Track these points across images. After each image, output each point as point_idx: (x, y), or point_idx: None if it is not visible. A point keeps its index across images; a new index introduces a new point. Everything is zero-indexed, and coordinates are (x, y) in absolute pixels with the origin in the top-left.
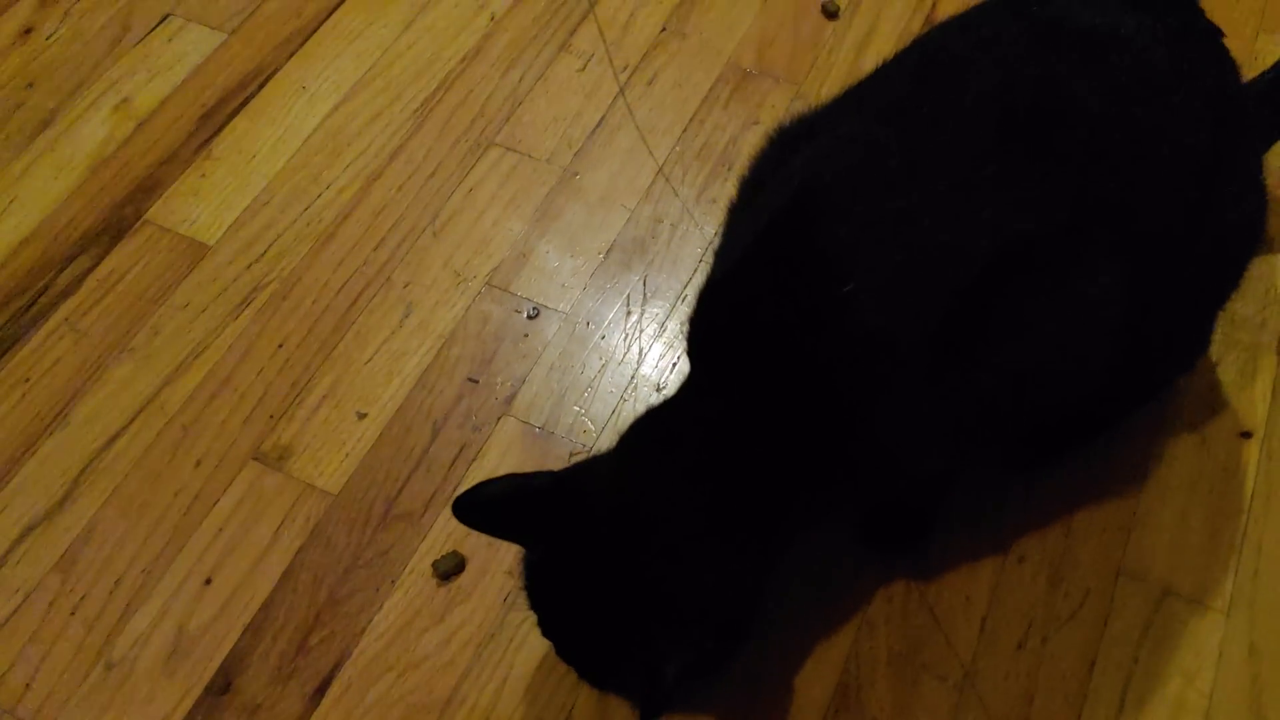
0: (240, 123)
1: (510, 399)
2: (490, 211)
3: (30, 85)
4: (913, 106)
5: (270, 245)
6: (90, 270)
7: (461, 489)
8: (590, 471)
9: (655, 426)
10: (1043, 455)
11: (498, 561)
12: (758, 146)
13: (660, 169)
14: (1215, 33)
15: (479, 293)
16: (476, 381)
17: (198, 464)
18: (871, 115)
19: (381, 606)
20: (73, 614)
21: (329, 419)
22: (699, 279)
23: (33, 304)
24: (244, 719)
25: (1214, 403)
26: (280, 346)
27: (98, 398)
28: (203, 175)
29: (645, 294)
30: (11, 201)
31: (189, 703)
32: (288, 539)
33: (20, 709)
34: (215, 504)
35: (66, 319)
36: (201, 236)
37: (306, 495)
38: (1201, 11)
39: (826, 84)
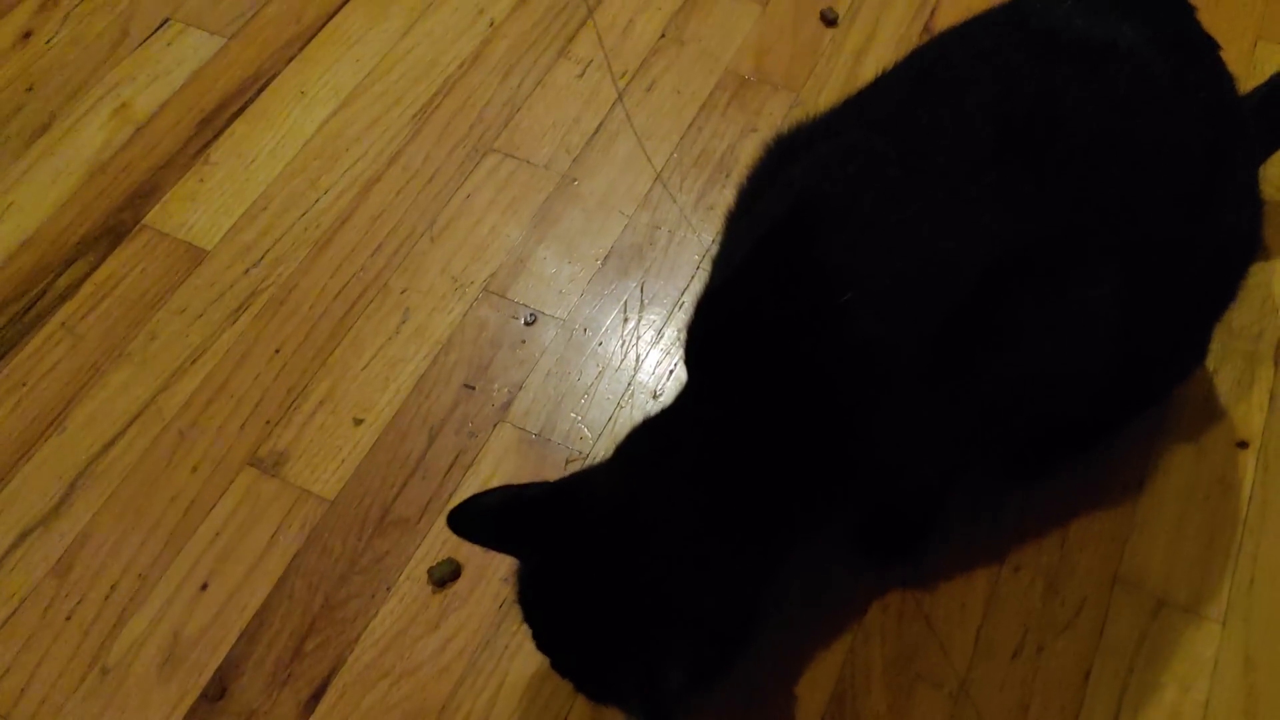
0: (239, 127)
1: (507, 405)
2: (488, 217)
3: (30, 89)
4: (912, 116)
5: (268, 250)
6: (88, 274)
7: (458, 496)
8: (587, 481)
9: (652, 436)
10: (1039, 464)
11: (493, 568)
12: (756, 155)
13: (658, 175)
14: (1212, 45)
15: (476, 299)
16: (473, 388)
17: (194, 469)
18: (870, 125)
19: (377, 613)
20: (68, 619)
21: (325, 425)
22: (696, 286)
23: (30, 308)
24: None
25: (1211, 412)
26: (277, 352)
27: (95, 402)
28: (201, 180)
29: (643, 300)
30: (10, 205)
31: (184, 708)
32: (284, 545)
33: (15, 714)
34: (211, 509)
35: (64, 323)
36: (199, 241)
37: (302, 501)
38: (1199, 24)
39: (825, 91)
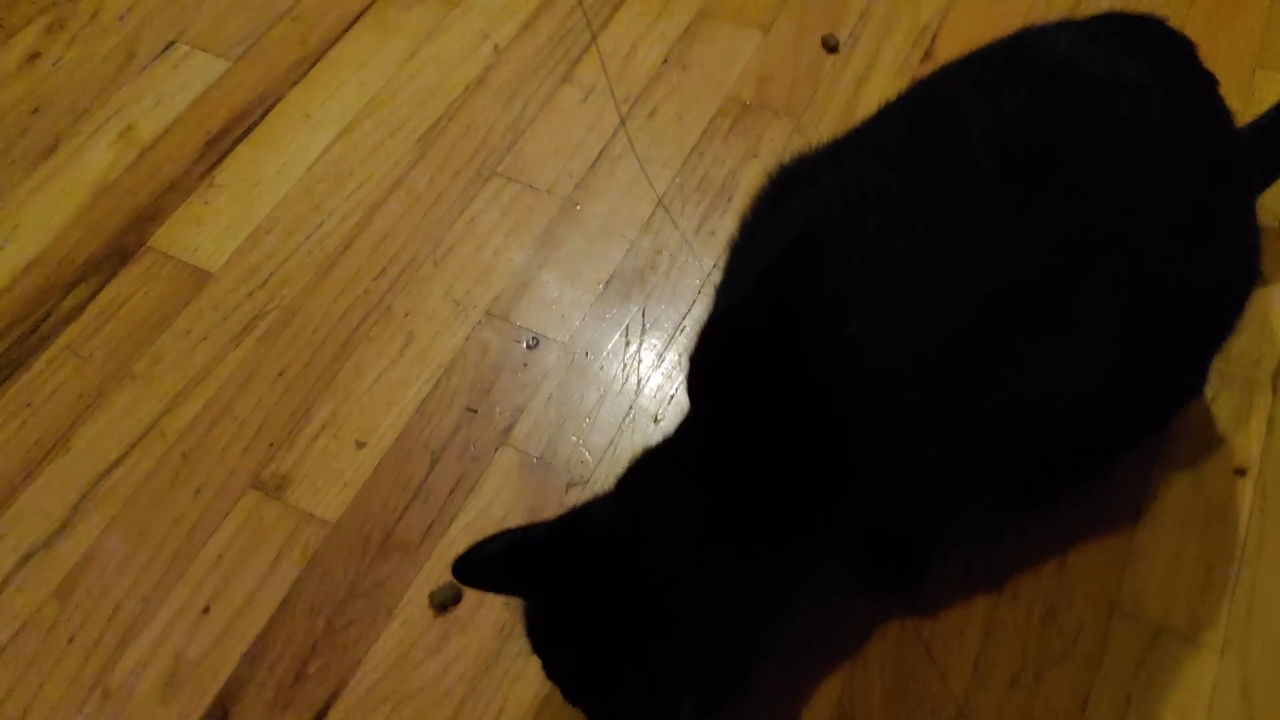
0: (244, 150)
1: (508, 429)
2: (491, 241)
3: (36, 111)
4: (914, 148)
5: (272, 273)
6: (93, 296)
7: (459, 520)
8: (590, 515)
9: (654, 466)
10: (1037, 491)
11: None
12: (758, 185)
13: (660, 200)
14: (1210, 80)
15: (479, 322)
16: (475, 411)
17: (197, 492)
18: (873, 156)
19: (378, 637)
20: (70, 641)
21: (328, 448)
22: (697, 310)
23: (35, 329)
24: None
25: (1208, 439)
26: (281, 375)
27: (99, 424)
28: (206, 203)
29: (644, 325)
30: (16, 227)
31: None
32: (286, 568)
33: None
34: (214, 532)
35: (69, 345)
36: (204, 264)
37: (305, 524)
38: (1198, 59)
39: (826, 117)
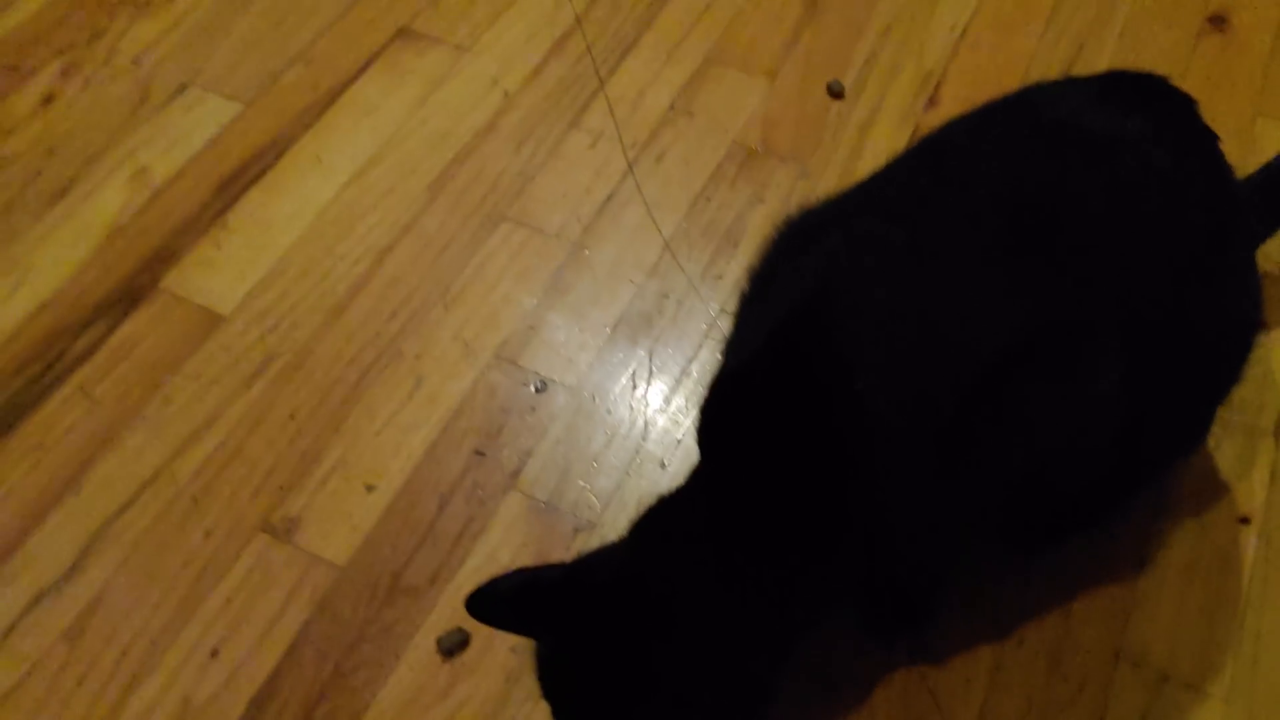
0: (256, 194)
1: (516, 473)
2: (500, 285)
3: (50, 152)
4: (923, 205)
5: (284, 316)
6: (105, 338)
7: (467, 564)
8: (603, 562)
9: (667, 515)
10: (1041, 539)
11: (501, 638)
12: (767, 237)
13: (667, 245)
14: (1211, 137)
15: (487, 365)
16: (483, 454)
17: (207, 535)
18: (882, 213)
19: (386, 681)
20: (79, 684)
21: (338, 491)
22: (704, 354)
23: (47, 370)
24: None
25: (1212, 487)
26: (291, 418)
27: (109, 465)
28: (218, 245)
29: (651, 368)
30: (29, 268)
31: None
32: (294, 611)
33: None
34: (224, 575)
35: (80, 386)
36: (216, 306)
37: (314, 568)
38: (1199, 117)
39: (832, 164)
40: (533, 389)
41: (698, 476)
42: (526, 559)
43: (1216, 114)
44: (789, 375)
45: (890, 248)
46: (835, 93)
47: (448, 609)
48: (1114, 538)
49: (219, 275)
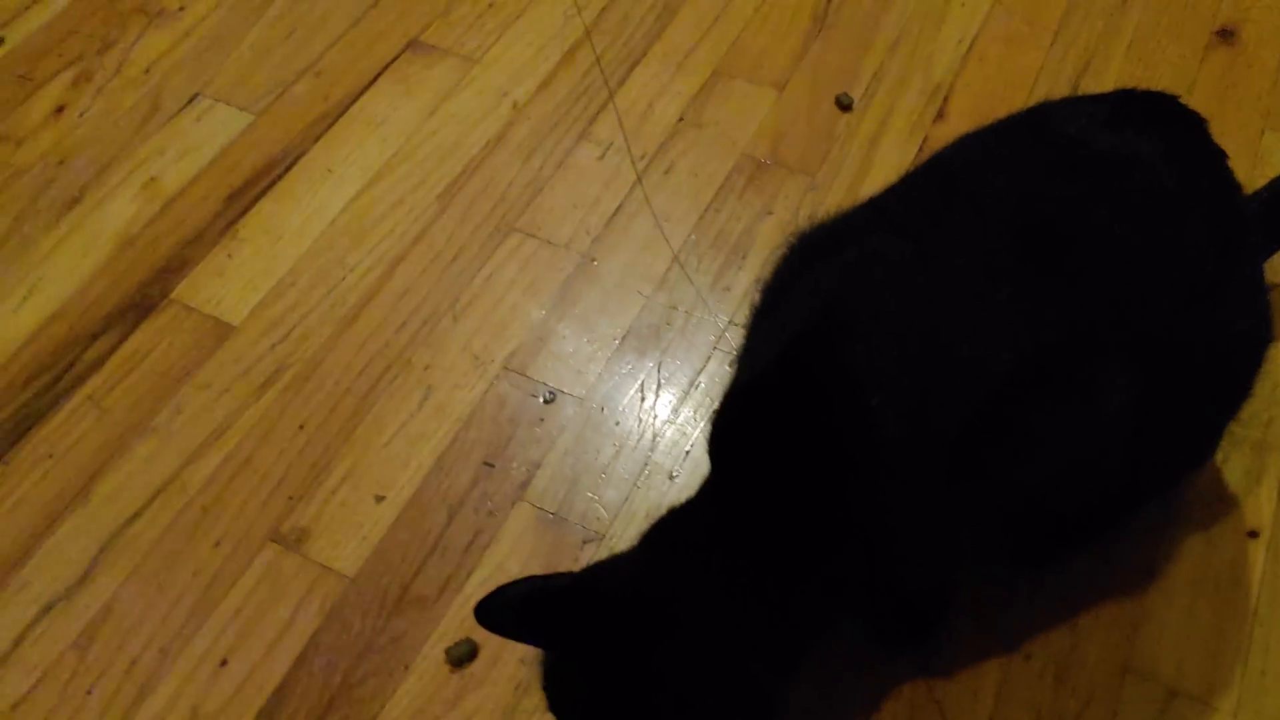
0: (266, 204)
1: (525, 484)
2: (509, 296)
3: (61, 163)
4: (935, 222)
5: (294, 327)
6: (115, 348)
7: (475, 575)
8: (612, 572)
9: (677, 527)
10: (1048, 552)
11: (510, 649)
12: (779, 251)
13: (676, 256)
14: (1220, 156)
15: (496, 376)
16: (492, 465)
17: (217, 544)
18: (895, 229)
19: (395, 692)
20: (89, 693)
21: (347, 501)
22: (712, 366)
23: (58, 380)
24: None
25: (1220, 501)
26: (301, 428)
27: (119, 476)
28: (229, 255)
29: (659, 380)
30: (40, 278)
31: None
32: (304, 622)
33: None
34: (233, 585)
35: (90, 396)
36: (226, 316)
37: (323, 578)
38: (1209, 135)
39: (840, 176)
40: (541, 400)
41: (707, 488)
42: (535, 570)
43: (1223, 128)
44: (800, 390)
45: (901, 264)
46: (844, 105)
47: (456, 620)
48: (1121, 552)
49: (229, 285)
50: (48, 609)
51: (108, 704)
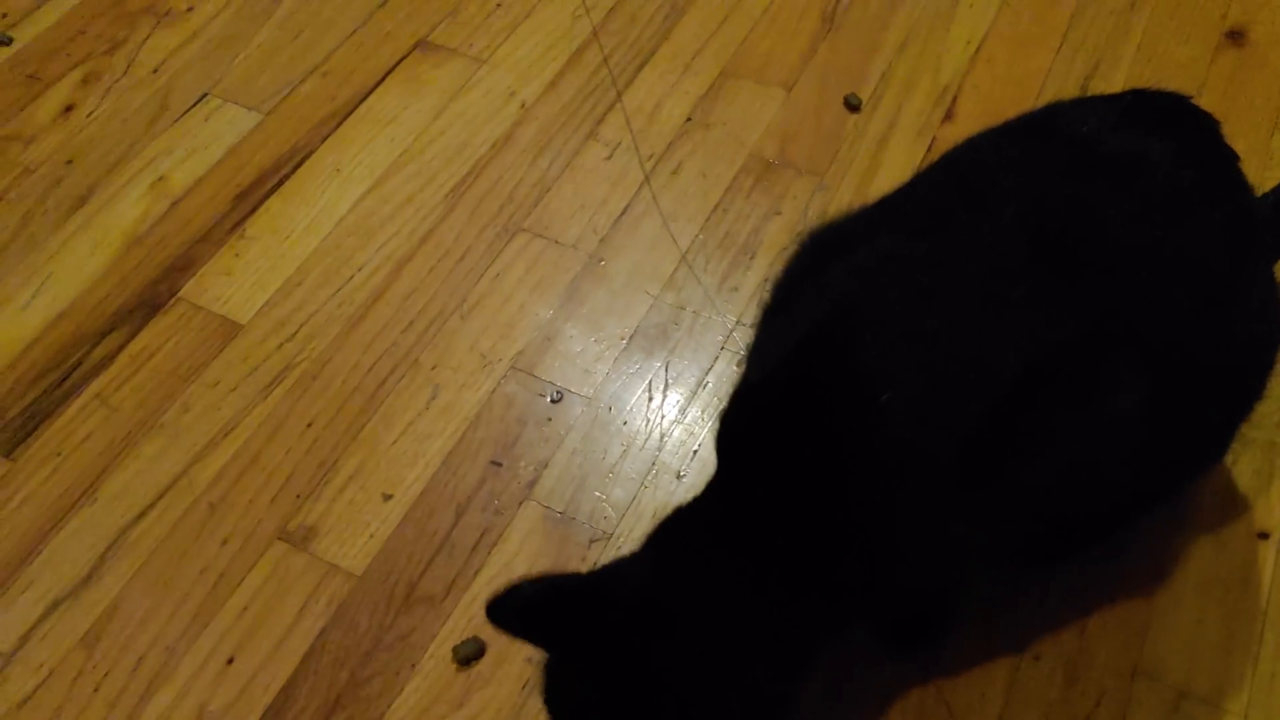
0: (274, 203)
1: (532, 483)
2: (517, 295)
3: (70, 161)
4: (947, 223)
5: (301, 326)
6: (123, 346)
7: (483, 574)
8: (618, 574)
9: (683, 528)
10: (1058, 553)
11: (517, 648)
12: (790, 250)
13: (683, 257)
14: (1233, 157)
15: (504, 376)
16: (500, 465)
17: (224, 543)
18: (906, 229)
19: (401, 690)
20: (95, 691)
21: (355, 500)
22: (720, 366)
23: (65, 378)
24: None
25: (1231, 503)
26: (309, 426)
27: (127, 473)
28: (236, 254)
29: (667, 380)
30: (48, 276)
31: None
32: (311, 620)
33: None
34: (240, 583)
35: (98, 394)
36: (234, 315)
37: (330, 576)
38: (1221, 136)
39: (849, 176)
40: (549, 400)
41: (715, 488)
42: (542, 570)
43: (1234, 129)
44: (810, 389)
45: (912, 265)
46: (852, 106)
47: (464, 618)
48: (1130, 553)
49: (237, 284)
50: (54, 606)
51: (114, 702)
